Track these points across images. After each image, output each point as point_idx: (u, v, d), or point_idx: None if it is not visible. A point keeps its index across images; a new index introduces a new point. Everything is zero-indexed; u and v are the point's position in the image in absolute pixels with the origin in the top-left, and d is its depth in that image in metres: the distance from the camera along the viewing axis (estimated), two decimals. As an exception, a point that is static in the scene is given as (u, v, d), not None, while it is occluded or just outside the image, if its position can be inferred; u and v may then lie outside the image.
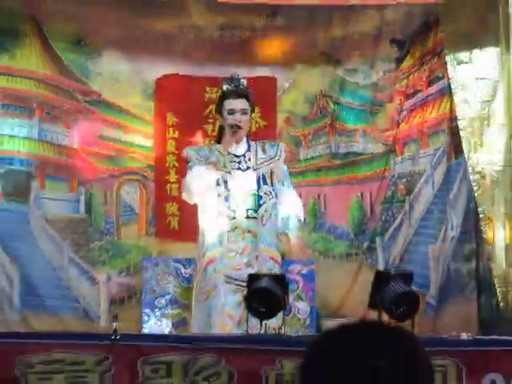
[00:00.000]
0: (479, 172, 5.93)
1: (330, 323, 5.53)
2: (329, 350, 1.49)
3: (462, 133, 5.96)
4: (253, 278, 4.13)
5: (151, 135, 6.35)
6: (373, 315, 4.19)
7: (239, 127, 4.54)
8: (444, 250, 6.13)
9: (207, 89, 6.32)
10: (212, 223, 4.53)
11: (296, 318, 5.53)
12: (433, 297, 6.09)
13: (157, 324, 5.48)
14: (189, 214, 4.96)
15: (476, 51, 5.98)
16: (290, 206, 4.67)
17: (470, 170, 5.91)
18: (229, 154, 4.56)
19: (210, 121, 6.24)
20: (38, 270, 6.00)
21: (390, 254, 6.32)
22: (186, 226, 5.70)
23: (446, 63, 6.06)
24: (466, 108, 5.99)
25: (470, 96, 5.98)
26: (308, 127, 6.52)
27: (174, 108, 6.32)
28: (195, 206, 4.63)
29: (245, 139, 4.65)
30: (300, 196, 6.33)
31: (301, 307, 5.51)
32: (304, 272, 5.65)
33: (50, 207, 6.11)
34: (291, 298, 5.09)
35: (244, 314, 4.21)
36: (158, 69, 6.34)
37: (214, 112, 4.92)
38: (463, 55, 6.01)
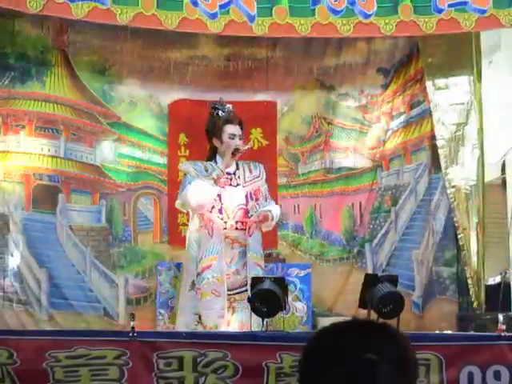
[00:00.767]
0: (455, 186, 5.96)
1: (324, 321, 5.51)
2: (325, 344, 1.50)
3: (439, 151, 6.00)
4: (256, 281, 4.13)
5: (165, 153, 6.35)
6: (363, 314, 4.18)
7: (239, 150, 4.65)
8: (427, 255, 6.12)
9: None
10: (208, 232, 4.57)
11: (294, 316, 5.50)
12: (418, 296, 6.08)
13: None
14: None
15: (452, 79, 6.01)
16: (272, 209, 4.76)
17: (446, 184, 5.95)
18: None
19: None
20: (64, 274, 5.98)
21: (377, 258, 6.31)
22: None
23: (426, 89, 6.09)
24: (444, 129, 6.02)
25: (446, 118, 6.02)
26: (305, 145, 6.52)
27: (185, 129, 6.32)
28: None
29: None
30: (298, 206, 6.41)
31: (298, 306, 5.49)
32: (301, 275, 5.63)
33: (74, 217, 6.10)
34: (290, 298, 5.08)
35: (230, 315, 4.44)
36: (171, 94, 6.34)
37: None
38: (441, 82, 6.04)
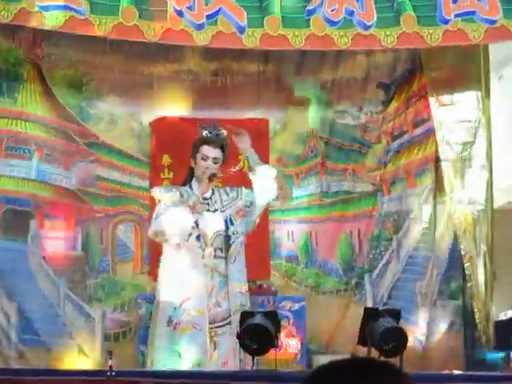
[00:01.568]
0: (461, 211, 5.95)
1: (321, 359, 5.48)
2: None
3: (444, 173, 6.00)
4: (245, 315, 4.10)
5: (147, 176, 6.35)
6: (362, 351, 4.15)
7: (215, 176, 4.68)
8: (431, 287, 6.11)
9: (201, 131, 6.32)
10: (186, 261, 4.58)
11: (287, 354, 5.47)
12: (421, 333, 6.06)
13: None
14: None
15: (457, 95, 6.03)
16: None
17: (452, 209, 5.94)
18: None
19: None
20: (35, 307, 5.95)
21: (378, 290, 6.30)
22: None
23: (430, 106, 6.10)
24: (449, 149, 6.03)
25: (452, 137, 6.02)
26: (300, 166, 6.52)
27: (168, 149, 6.31)
28: None
29: None
30: (292, 233, 6.39)
31: (292, 343, 5.46)
32: (295, 308, 5.61)
33: (48, 245, 6.08)
34: (283, 333, 5.05)
35: (212, 351, 4.44)
36: (154, 112, 6.35)
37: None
38: (446, 98, 6.06)
